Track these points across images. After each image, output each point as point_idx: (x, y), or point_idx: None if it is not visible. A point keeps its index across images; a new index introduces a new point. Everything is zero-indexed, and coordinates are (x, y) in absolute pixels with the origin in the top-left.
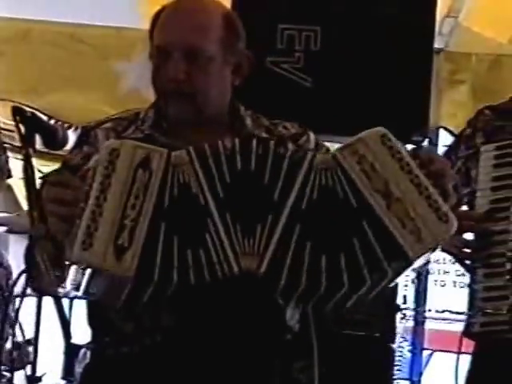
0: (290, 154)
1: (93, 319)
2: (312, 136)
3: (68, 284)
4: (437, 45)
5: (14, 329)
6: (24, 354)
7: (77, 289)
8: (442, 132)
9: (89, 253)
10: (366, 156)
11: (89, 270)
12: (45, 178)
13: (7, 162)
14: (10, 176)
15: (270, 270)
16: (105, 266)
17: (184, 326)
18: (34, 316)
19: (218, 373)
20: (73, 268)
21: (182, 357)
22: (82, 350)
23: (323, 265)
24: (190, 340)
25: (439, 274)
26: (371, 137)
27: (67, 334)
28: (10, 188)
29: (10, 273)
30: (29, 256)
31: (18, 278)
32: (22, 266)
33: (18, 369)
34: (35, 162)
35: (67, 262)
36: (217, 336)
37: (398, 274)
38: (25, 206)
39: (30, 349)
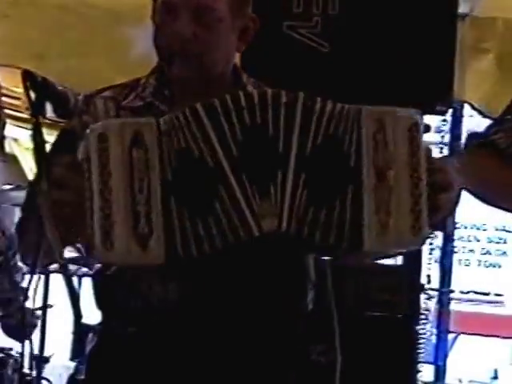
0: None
1: (100, 301)
2: None
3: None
4: (461, 10)
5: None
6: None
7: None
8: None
9: (113, 253)
10: (386, 130)
11: None
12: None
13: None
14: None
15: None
16: (133, 260)
17: (192, 300)
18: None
19: (227, 351)
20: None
21: (190, 334)
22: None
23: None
24: (198, 316)
25: (464, 252)
26: (404, 116)
27: (77, 314)
28: (16, 159)
29: (13, 242)
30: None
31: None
32: None
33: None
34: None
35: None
36: (227, 310)
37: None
38: (31, 177)
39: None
